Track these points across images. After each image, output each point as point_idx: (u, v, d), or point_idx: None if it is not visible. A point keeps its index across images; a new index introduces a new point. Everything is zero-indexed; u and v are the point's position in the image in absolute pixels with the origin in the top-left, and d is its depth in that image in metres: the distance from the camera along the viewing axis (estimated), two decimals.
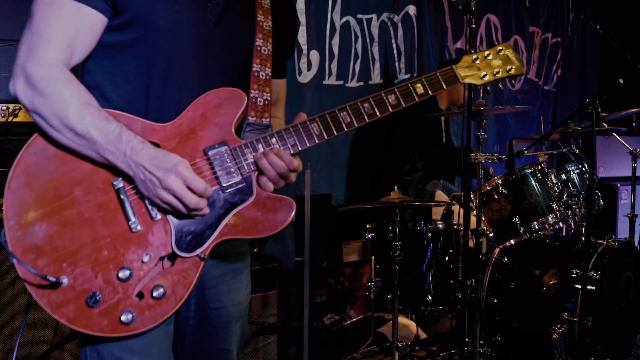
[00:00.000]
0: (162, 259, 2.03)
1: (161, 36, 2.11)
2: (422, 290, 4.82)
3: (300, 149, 2.13)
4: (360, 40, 6.38)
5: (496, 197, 5.03)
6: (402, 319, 5.40)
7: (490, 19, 8.09)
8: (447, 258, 4.92)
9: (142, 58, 2.13)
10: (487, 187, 5.04)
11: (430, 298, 4.76)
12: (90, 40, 2.08)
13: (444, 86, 2.23)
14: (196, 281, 2.05)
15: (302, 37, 5.86)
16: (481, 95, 4.85)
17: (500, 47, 2.31)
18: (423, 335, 5.37)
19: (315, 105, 5.94)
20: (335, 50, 6.18)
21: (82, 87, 2.00)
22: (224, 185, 2.08)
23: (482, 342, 4.72)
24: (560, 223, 5.13)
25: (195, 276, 2.05)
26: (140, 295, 1.99)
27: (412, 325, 5.38)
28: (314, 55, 6.00)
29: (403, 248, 4.57)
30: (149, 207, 2.02)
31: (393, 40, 6.74)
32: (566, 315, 4.40)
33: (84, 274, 1.96)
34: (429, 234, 4.80)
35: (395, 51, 6.76)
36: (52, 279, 1.90)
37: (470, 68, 2.25)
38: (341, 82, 6.25)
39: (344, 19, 6.22)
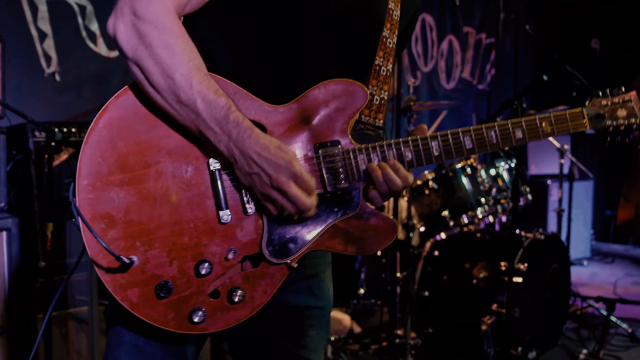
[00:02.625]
0: (245, 258, 1.79)
1: (296, 6, 1.82)
2: (355, 283, 4.88)
3: (415, 166, 1.89)
4: None
5: (427, 192, 5.12)
6: (337, 313, 5.45)
7: (426, 19, 8.20)
8: (379, 253, 4.99)
9: (265, 21, 1.83)
10: (418, 182, 5.13)
11: (362, 291, 4.82)
12: None
13: (571, 129, 2.02)
14: (277, 289, 1.83)
15: None
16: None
17: (628, 98, 2.09)
18: (357, 329, 5.42)
19: None
20: None
21: (194, 45, 1.69)
22: (329, 190, 1.82)
23: (413, 334, 4.80)
24: (491, 217, 5.25)
25: (278, 284, 1.83)
26: (215, 294, 1.76)
27: (347, 319, 5.43)
28: None
29: None
30: (245, 199, 1.76)
31: None
32: (495, 307, 4.50)
33: (158, 258, 1.70)
34: None
35: None
36: (126, 260, 1.63)
37: (597, 116, 2.05)
38: None
39: None
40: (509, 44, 9.43)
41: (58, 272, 3.98)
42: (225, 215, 1.75)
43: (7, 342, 3.57)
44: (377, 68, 2.00)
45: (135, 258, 1.66)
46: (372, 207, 1.88)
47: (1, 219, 3.53)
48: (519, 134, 1.95)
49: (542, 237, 4.74)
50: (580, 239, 8.86)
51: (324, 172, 1.81)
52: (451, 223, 5.05)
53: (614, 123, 2.07)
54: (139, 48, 1.64)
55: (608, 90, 2.10)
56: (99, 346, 3.88)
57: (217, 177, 1.74)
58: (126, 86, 1.72)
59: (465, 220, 5.09)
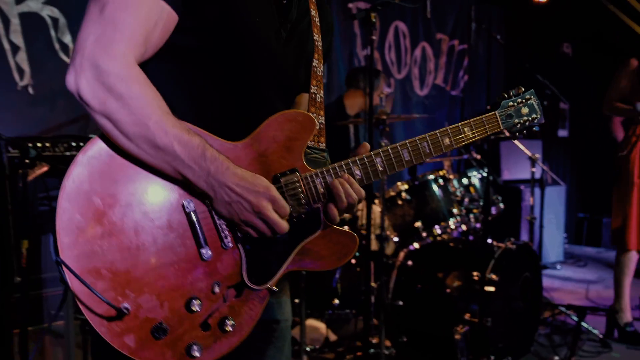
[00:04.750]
0: (229, 289, 1.90)
1: (238, 46, 1.95)
2: (330, 293, 4.92)
3: (364, 183, 2.04)
4: None
5: (400, 202, 5.17)
6: (312, 322, 5.48)
7: (399, 26, 8.26)
8: (353, 261, 5.04)
9: (214, 68, 1.95)
10: (391, 193, 5.18)
11: (337, 301, 4.86)
12: (162, 39, 1.85)
13: (488, 131, 2.22)
14: (262, 311, 1.96)
15: None
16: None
17: (528, 96, 2.32)
18: (333, 337, 5.46)
19: None
20: None
21: (158, 92, 1.78)
22: (294, 215, 1.95)
23: (388, 343, 4.85)
24: (463, 226, 5.31)
25: (261, 307, 1.96)
26: (206, 327, 1.86)
27: (322, 327, 5.47)
28: None
29: None
30: (222, 234, 1.88)
31: None
32: (468, 317, 4.56)
33: (149, 302, 1.77)
34: None
35: None
36: (124, 308, 1.71)
37: (508, 116, 2.26)
38: None
39: None
40: (481, 50, 9.51)
41: (34, 287, 3.98)
42: (206, 252, 1.84)
43: None
44: (314, 96, 2.17)
45: (127, 305, 1.72)
46: (332, 224, 2.02)
47: None
48: (447, 141, 2.13)
49: (514, 246, 4.81)
50: (553, 242, 8.96)
51: (287, 199, 1.93)
52: (424, 234, 5.11)
53: (521, 120, 2.29)
54: (107, 100, 1.70)
55: (511, 92, 2.31)
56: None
57: (193, 218, 1.83)
58: (92, 139, 1.77)
59: (438, 231, 5.15)
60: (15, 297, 3.89)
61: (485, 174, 5.50)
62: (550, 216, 8.52)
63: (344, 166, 2.01)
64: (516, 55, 9.81)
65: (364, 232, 4.97)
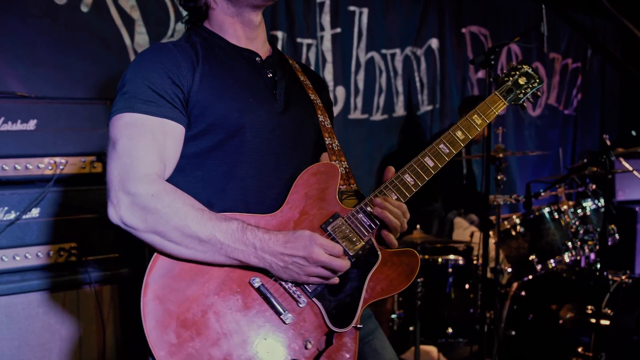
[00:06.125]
0: (320, 341, 2.04)
1: (244, 132, 2.13)
2: (443, 322, 5.03)
3: (402, 202, 2.21)
4: (384, 74, 6.59)
5: (514, 234, 5.22)
6: (424, 347, 5.58)
7: (511, 48, 8.25)
8: (467, 287, 5.13)
9: (232, 155, 2.13)
10: (506, 225, 5.23)
11: (450, 330, 4.96)
12: (176, 152, 2.08)
13: (495, 112, 2.44)
14: (357, 349, 2.09)
15: (328, 74, 6.08)
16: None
17: (520, 66, 2.59)
18: None
19: (341, 140, 6.11)
20: (360, 85, 6.39)
21: (187, 194, 1.98)
22: (352, 254, 2.10)
23: None
24: (577, 257, 5.30)
25: (355, 345, 2.08)
26: None
27: (434, 351, 5.56)
28: (340, 90, 6.21)
29: (425, 284, 4.79)
30: (295, 295, 2.03)
31: (416, 73, 6.93)
32: (581, 350, 4.58)
33: None
34: (450, 269, 5.02)
35: (418, 84, 6.96)
36: None
37: (508, 91, 2.51)
38: (366, 116, 6.45)
39: (369, 54, 6.43)
40: (596, 67, 9.34)
41: None
42: (287, 316, 2.01)
43: None
44: (330, 146, 2.36)
45: None
46: (389, 249, 2.19)
47: (116, 270, 3.74)
48: (460, 134, 2.34)
49: (629, 280, 4.79)
50: None
51: (340, 242, 2.11)
52: (538, 267, 5.14)
53: (522, 90, 2.54)
54: (147, 217, 1.92)
55: (505, 69, 2.58)
56: None
57: (264, 291, 2.01)
58: (153, 256, 1.96)
59: (553, 265, 5.16)
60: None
61: (600, 204, 5.47)
62: None
63: (378, 194, 2.19)
64: (631, 74, 9.59)
65: (475, 261, 5.06)
